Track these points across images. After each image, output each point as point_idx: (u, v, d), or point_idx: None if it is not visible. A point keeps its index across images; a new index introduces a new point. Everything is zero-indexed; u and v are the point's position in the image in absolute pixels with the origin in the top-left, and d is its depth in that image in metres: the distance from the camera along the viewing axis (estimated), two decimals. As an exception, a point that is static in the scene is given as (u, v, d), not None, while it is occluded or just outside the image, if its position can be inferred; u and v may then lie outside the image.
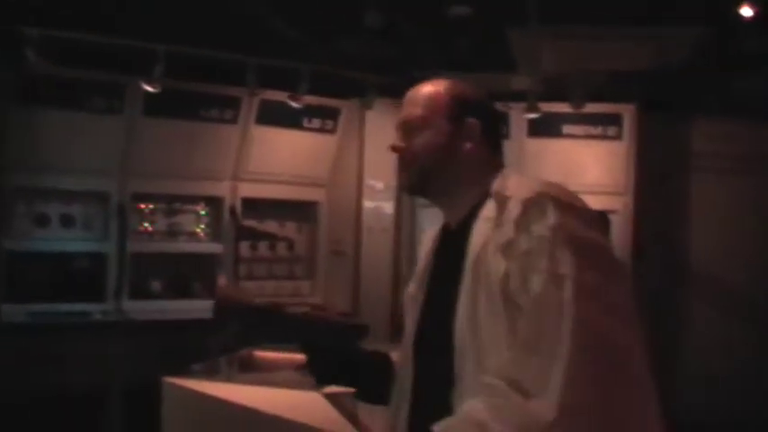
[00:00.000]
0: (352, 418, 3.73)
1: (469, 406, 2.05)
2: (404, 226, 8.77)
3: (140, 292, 7.81)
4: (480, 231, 2.30)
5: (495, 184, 2.38)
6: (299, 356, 4.59)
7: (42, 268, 7.42)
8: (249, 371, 5.19)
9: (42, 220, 7.48)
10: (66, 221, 7.59)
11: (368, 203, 8.69)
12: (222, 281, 6.21)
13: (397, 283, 8.60)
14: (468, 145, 2.49)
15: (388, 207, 8.65)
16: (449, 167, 2.49)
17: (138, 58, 7.17)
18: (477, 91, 2.61)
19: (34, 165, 7.21)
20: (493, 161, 2.52)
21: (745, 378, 7.95)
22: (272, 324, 2.87)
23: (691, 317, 8.46)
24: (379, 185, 8.64)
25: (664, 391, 2.17)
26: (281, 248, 8.75)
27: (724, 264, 8.41)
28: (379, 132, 8.58)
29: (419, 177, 2.54)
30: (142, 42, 7.05)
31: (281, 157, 8.38)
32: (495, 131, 2.61)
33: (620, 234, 8.31)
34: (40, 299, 7.30)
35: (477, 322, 2.19)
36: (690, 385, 7.77)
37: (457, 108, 2.51)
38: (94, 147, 7.47)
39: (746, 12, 6.09)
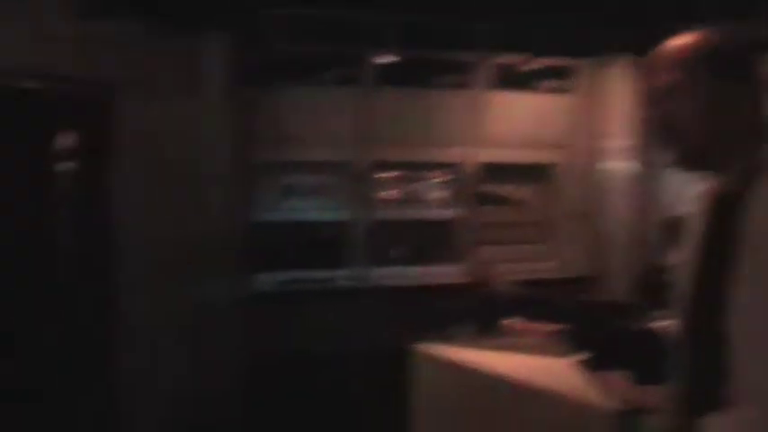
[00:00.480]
0: (608, 386, 3.62)
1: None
2: (643, 186, 8.47)
3: (382, 259, 8.00)
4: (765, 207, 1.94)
5: None
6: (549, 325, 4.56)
7: (289, 238, 7.74)
8: (496, 337, 5.19)
9: (288, 192, 7.79)
10: (311, 192, 7.87)
11: (606, 164, 8.46)
12: (478, 259, 6.19)
13: (638, 246, 8.35)
14: (738, 108, 2.13)
15: (628, 167, 8.37)
16: (720, 138, 2.13)
17: (371, 30, 7.30)
18: (740, 43, 2.18)
19: (279, 139, 7.49)
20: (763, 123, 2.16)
21: None
22: (546, 312, 2.83)
23: None
24: (617, 145, 8.38)
25: None
26: (518, 212, 8.69)
27: None
28: (617, 91, 8.34)
29: (691, 153, 2.19)
30: (374, 14, 7.15)
31: (516, 120, 8.31)
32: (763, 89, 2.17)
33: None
34: (288, 267, 7.63)
35: (758, 311, 1.89)
36: None
37: (719, 67, 2.12)
38: (334, 119, 7.70)
39: None
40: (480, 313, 4.75)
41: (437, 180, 8.33)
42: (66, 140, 6.63)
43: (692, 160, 2.20)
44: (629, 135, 8.28)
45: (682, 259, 2.25)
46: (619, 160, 8.39)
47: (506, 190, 8.64)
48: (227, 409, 6.69)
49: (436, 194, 8.31)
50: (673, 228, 3.06)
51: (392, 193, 8.13)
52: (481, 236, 8.28)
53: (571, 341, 2.68)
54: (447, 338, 4.94)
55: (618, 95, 8.36)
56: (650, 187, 8.46)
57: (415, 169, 8.26)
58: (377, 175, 8.05)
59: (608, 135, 8.44)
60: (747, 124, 2.11)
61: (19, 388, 5.84)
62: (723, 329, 1.95)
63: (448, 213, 8.28)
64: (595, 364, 2.75)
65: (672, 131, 2.19)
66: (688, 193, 2.38)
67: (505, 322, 5.00)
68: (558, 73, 8.39)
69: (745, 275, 1.91)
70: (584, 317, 2.83)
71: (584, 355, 3.77)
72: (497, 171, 8.47)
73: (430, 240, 8.23)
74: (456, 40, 7.77)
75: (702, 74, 2.12)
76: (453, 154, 8.22)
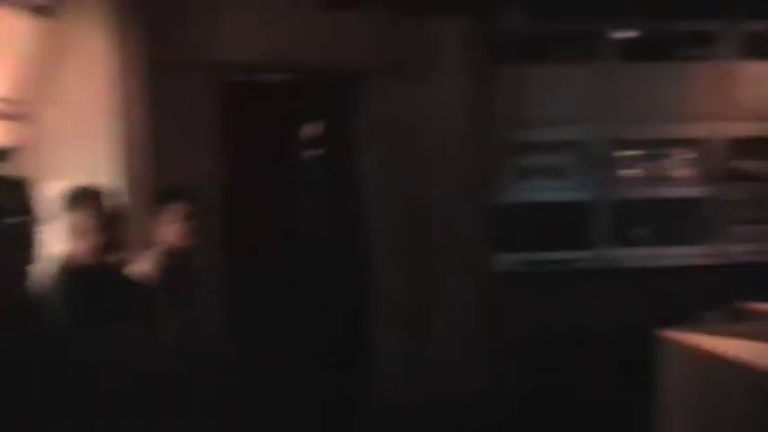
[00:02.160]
0: None
1: None
2: None
3: (625, 240, 7.81)
4: None
5: None
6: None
7: (530, 219, 7.71)
8: (742, 321, 4.96)
9: (528, 172, 7.75)
10: (551, 172, 7.80)
11: None
12: None
13: None
14: None
15: None
16: None
17: (610, 5, 7.12)
18: None
19: (518, 119, 7.47)
20: None
21: None
22: None
23: None
24: None
25: None
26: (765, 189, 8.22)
27: None
28: None
29: None
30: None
31: (767, 91, 7.85)
32: None
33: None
34: (528, 248, 7.61)
35: None
36: None
37: None
38: (573, 97, 7.59)
39: None
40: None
41: (682, 157, 8.01)
42: (313, 129, 6.94)
43: None
44: None
45: None
46: None
47: (758, 165, 8.19)
48: (473, 381, 6.78)
49: (681, 172, 8.00)
50: None
51: (635, 172, 7.91)
52: (732, 214, 7.91)
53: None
54: (695, 324, 4.78)
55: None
56: None
57: (659, 146, 7.98)
58: (618, 154, 7.84)
59: None
60: None
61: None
62: None
63: (695, 192, 7.96)
64: None
65: None
66: None
67: (740, 304, 4.79)
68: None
69: None
70: None
71: None
72: (747, 145, 8.04)
73: (675, 220, 7.94)
74: (699, 9, 7.44)
75: None
76: (699, 129, 7.89)
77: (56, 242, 4.05)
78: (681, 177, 8.02)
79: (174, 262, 4.49)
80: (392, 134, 6.75)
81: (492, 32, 7.21)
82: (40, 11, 4.52)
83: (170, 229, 4.56)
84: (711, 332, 4.41)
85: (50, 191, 4.19)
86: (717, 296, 5.30)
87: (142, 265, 4.39)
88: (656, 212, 7.94)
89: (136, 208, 4.77)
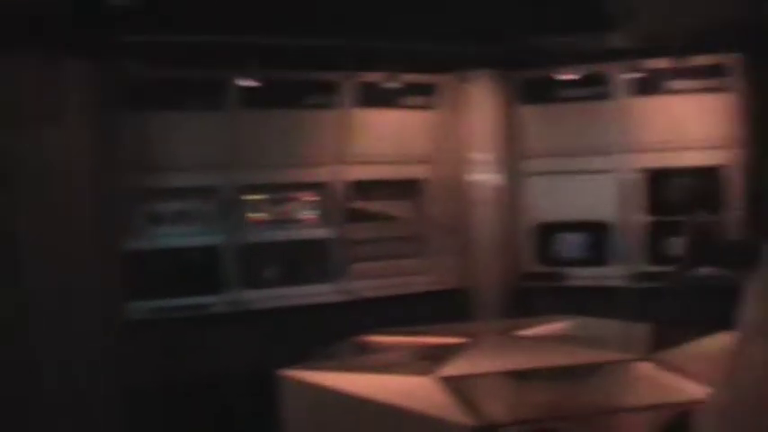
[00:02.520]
0: (469, 401, 3.72)
1: None
2: (510, 197, 8.71)
3: (256, 282, 7.98)
4: None
5: None
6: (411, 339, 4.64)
7: (161, 265, 7.64)
8: (365, 354, 5.25)
9: (157, 218, 7.70)
10: (180, 217, 7.80)
11: (473, 176, 8.64)
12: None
13: (508, 254, 8.58)
14: None
15: (494, 179, 8.58)
16: None
17: (233, 54, 7.29)
18: None
19: (144, 166, 7.41)
20: None
21: None
22: None
23: None
24: (484, 158, 8.58)
25: None
26: (390, 228, 8.78)
27: None
28: (479, 105, 8.55)
29: None
30: (236, 37, 7.14)
31: (382, 137, 8.41)
32: None
33: (731, 188, 8.14)
34: (161, 294, 7.53)
35: None
36: None
37: None
38: (202, 143, 7.64)
39: None
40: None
41: (307, 200, 8.35)
42: None
43: None
44: (493, 148, 8.51)
45: None
46: (485, 172, 8.58)
47: (377, 206, 8.72)
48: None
49: (307, 214, 8.34)
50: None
51: (263, 216, 8.12)
52: (354, 253, 8.35)
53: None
54: (317, 359, 4.97)
55: (481, 109, 8.57)
56: (516, 197, 8.73)
57: (285, 190, 8.26)
58: (246, 198, 8.02)
59: (473, 148, 8.62)
60: None
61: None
62: None
63: (320, 233, 8.32)
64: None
65: None
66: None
67: (365, 338, 5.07)
68: (421, 90, 8.52)
69: None
70: None
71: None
72: (367, 188, 8.56)
73: (302, 261, 8.24)
74: (319, 60, 7.82)
75: None
76: (322, 173, 8.27)
77: None
78: (306, 219, 8.35)
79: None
80: (22, 177, 6.41)
81: (119, 77, 7.11)
82: None
83: None
84: (331, 368, 4.63)
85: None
86: (343, 331, 5.58)
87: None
88: (284, 254, 8.18)
89: None
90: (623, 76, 8.06)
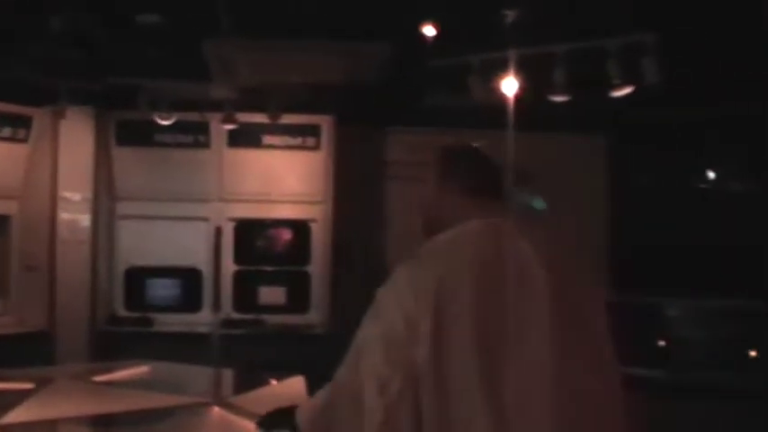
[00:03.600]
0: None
1: None
2: (101, 238, 8.52)
3: None
4: None
5: None
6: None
7: None
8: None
9: None
10: None
11: (63, 215, 8.32)
12: None
13: (95, 296, 8.37)
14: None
15: (85, 219, 8.34)
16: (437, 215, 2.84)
17: None
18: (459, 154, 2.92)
19: None
20: None
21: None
22: None
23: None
24: (75, 197, 8.31)
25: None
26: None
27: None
28: (74, 142, 8.30)
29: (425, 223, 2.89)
30: None
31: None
32: None
33: (320, 241, 8.59)
34: None
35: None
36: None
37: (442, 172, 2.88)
38: None
39: (430, 31, 6.39)
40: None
41: None
42: None
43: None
44: (86, 187, 8.30)
45: None
46: (76, 212, 8.32)
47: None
48: None
49: None
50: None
51: None
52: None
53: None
54: None
55: (77, 146, 8.34)
56: (106, 239, 8.56)
57: None
58: None
59: (65, 186, 8.33)
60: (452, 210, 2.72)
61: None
62: None
63: None
64: None
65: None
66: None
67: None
68: (14, 120, 8.11)
69: None
70: None
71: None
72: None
73: None
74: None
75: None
76: None
77: None
78: None
79: None
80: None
81: None
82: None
83: None
84: None
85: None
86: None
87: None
88: None
89: None
90: (221, 125, 8.20)
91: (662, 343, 7.76)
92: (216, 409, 4.40)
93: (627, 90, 6.42)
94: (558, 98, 6.56)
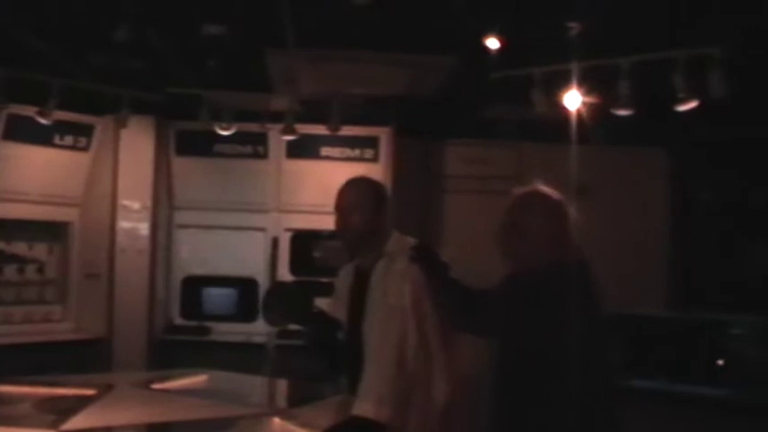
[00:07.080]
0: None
1: None
2: (159, 247, 8.58)
3: None
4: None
5: None
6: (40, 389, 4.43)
7: None
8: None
9: None
10: None
11: (122, 224, 8.40)
12: None
13: (153, 305, 8.42)
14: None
15: (144, 228, 8.40)
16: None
17: None
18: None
19: None
20: None
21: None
22: None
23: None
24: (135, 206, 8.38)
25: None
26: (31, 271, 8.32)
27: (477, 279, 8.70)
28: (135, 151, 8.37)
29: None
30: None
31: (30, 174, 8.00)
32: None
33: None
34: None
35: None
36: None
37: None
38: None
39: (493, 43, 6.34)
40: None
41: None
42: None
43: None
44: (146, 196, 8.36)
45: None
46: (135, 220, 8.39)
47: (18, 248, 8.24)
48: None
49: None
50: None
51: None
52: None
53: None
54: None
55: (137, 155, 8.41)
56: (165, 248, 8.62)
57: None
58: None
59: (125, 194, 8.40)
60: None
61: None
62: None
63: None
64: None
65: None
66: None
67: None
68: (76, 129, 8.21)
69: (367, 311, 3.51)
70: None
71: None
72: (9, 227, 8.08)
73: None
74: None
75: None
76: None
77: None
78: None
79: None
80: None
81: None
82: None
83: None
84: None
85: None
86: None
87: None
88: None
89: None
90: (281, 136, 8.22)
91: (721, 361, 7.60)
92: (276, 420, 4.38)
93: (692, 104, 6.28)
94: (622, 112, 6.45)
